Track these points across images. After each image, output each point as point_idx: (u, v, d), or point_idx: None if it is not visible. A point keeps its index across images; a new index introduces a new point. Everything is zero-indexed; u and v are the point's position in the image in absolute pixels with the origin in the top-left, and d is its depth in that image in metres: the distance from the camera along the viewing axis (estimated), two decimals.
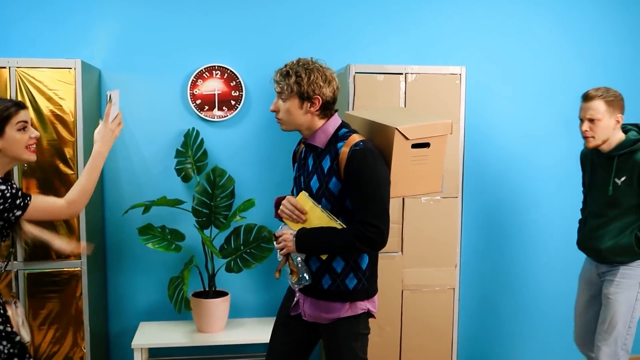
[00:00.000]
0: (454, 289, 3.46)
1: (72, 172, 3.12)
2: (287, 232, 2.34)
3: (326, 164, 2.32)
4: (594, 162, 3.06)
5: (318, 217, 2.30)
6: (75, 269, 3.18)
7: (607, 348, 2.96)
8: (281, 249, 2.35)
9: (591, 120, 2.90)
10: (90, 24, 3.52)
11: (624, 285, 2.94)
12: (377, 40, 3.79)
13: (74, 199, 2.30)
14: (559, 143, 3.94)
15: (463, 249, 3.48)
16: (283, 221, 2.40)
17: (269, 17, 3.68)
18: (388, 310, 3.39)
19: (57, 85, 3.08)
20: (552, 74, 4.01)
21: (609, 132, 2.90)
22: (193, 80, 3.60)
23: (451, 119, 3.22)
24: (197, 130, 3.58)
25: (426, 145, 2.39)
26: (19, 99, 3.02)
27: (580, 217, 3.18)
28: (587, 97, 2.93)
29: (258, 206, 3.52)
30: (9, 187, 2.13)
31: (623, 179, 2.88)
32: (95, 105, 3.44)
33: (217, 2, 3.63)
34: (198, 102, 3.62)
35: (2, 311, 2.24)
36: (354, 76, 3.23)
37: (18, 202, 2.14)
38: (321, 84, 2.28)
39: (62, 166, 3.11)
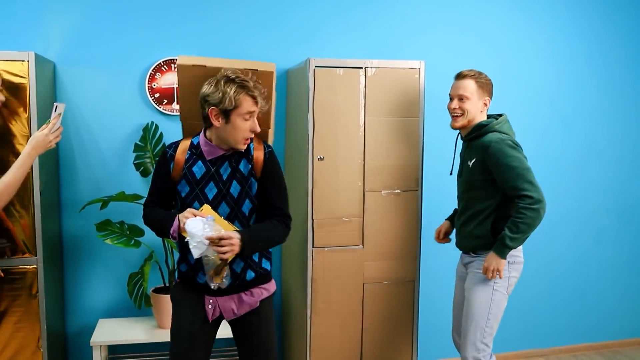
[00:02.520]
0: (414, 281, 3.50)
1: None
2: (234, 236, 2.31)
3: (244, 167, 2.46)
4: (459, 146, 3.17)
5: (225, 225, 2.38)
6: (31, 266, 3.11)
7: (467, 342, 2.97)
8: (224, 253, 2.30)
9: (460, 99, 2.99)
10: (44, 16, 3.43)
11: (480, 278, 2.96)
12: (337, 34, 3.80)
13: None
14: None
15: (423, 242, 3.52)
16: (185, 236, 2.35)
17: (229, 11, 3.66)
18: (349, 303, 3.41)
19: (10, 78, 2.99)
20: (510, 68, 4.09)
21: (476, 113, 2.99)
22: (151, 73, 3.55)
23: (411, 113, 3.28)
24: (156, 124, 3.53)
25: None
26: None
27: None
28: (459, 76, 3.04)
29: None
30: None
31: (473, 160, 2.96)
32: (49, 99, 3.36)
33: None
34: (157, 95, 3.58)
35: None
36: (314, 70, 3.23)
37: None
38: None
39: (15, 161, 3.03)
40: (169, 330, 3.37)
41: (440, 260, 3.96)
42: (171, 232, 2.38)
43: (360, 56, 3.70)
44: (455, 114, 3.02)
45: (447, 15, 3.96)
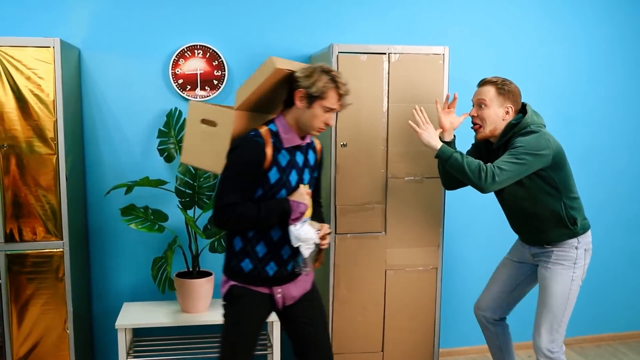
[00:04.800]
0: (436, 269, 3.48)
1: (52, 152, 3.09)
2: (328, 227, 2.54)
3: (312, 157, 2.61)
4: (487, 154, 3.05)
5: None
6: (58, 250, 3.16)
7: (542, 331, 2.98)
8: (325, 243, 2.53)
9: (479, 105, 2.91)
10: (69, 2, 3.45)
11: (559, 269, 2.96)
12: (360, 20, 3.77)
13: None
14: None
15: (446, 229, 3.50)
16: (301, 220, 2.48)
17: None
18: (371, 290, 3.41)
19: (36, 65, 3.03)
20: (535, 55, 4.03)
21: (497, 121, 2.89)
22: (175, 59, 3.57)
23: (435, 98, 3.25)
24: (179, 110, 3.55)
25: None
26: None
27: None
28: (480, 82, 2.96)
29: None
30: None
31: None
32: (75, 85, 3.39)
33: None
34: (180, 81, 3.59)
35: None
36: (337, 56, 3.21)
37: None
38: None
39: (42, 147, 3.08)
40: (192, 314, 3.44)
41: (464, 247, 3.95)
42: (292, 218, 2.45)
43: (384, 42, 3.68)
44: (474, 124, 2.96)
45: (472, 1, 3.91)
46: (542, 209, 2.90)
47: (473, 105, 2.97)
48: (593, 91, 4.16)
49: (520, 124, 2.86)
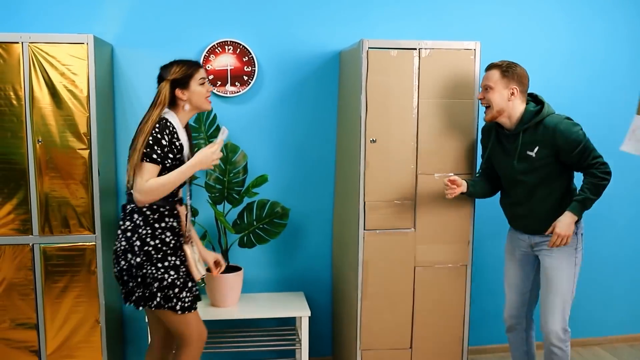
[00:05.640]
0: (466, 266, 3.45)
1: (85, 147, 3.13)
2: None
3: None
4: (500, 140, 3.14)
5: None
6: (90, 243, 3.21)
7: (555, 316, 3.10)
8: None
9: (485, 89, 3.02)
10: (102, 0, 3.51)
11: (563, 256, 3.07)
12: (390, 15, 3.75)
13: (151, 187, 2.56)
14: (573, 118, 3.89)
15: (476, 227, 3.47)
16: None
17: None
18: (400, 287, 3.40)
19: (70, 61, 3.08)
20: (568, 49, 3.96)
21: (502, 103, 2.99)
22: (205, 55, 3.59)
23: (466, 95, 3.22)
24: None
25: None
26: (32, 73, 3.04)
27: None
28: (487, 67, 3.07)
29: (271, 182, 3.52)
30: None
31: (537, 148, 2.96)
32: (107, 81, 3.44)
33: None
34: (211, 77, 3.61)
35: (171, 245, 2.64)
36: (367, 51, 3.20)
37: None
38: None
39: (75, 141, 3.13)
40: (221, 309, 3.46)
41: (494, 245, 3.90)
42: None
43: (414, 37, 3.65)
44: (483, 105, 3.09)
45: None
46: (554, 194, 3.02)
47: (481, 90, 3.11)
48: (633, 86, 4.06)
49: (543, 112, 2.98)
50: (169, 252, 2.64)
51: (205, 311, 3.44)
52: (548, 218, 3.01)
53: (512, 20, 3.88)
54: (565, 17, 3.94)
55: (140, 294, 2.64)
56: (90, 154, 3.14)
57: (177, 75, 2.69)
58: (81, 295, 3.23)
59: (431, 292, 3.44)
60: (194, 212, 3.48)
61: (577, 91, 3.91)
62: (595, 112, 4.01)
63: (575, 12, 3.95)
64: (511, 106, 3.00)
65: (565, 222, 2.93)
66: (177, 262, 2.66)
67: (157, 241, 2.63)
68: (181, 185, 2.72)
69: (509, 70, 2.98)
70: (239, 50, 3.62)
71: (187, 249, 2.70)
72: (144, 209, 2.64)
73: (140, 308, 2.67)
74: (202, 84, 2.72)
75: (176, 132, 2.66)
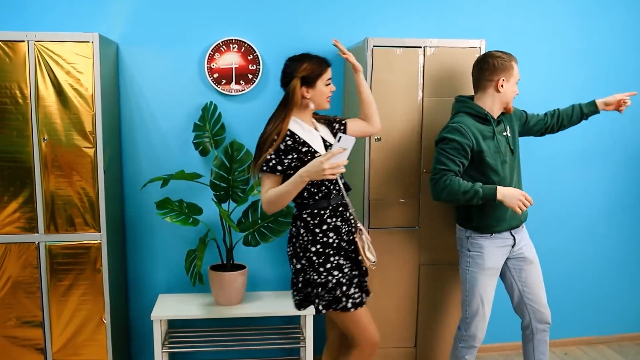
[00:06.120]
0: None
1: (90, 146, 3.14)
2: None
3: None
4: (484, 134, 3.00)
5: None
6: (95, 241, 3.21)
7: (545, 301, 3.23)
8: None
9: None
10: None
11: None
12: (395, 13, 3.74)
13: (270, 199, 2.55)
14: None
15: None
16: None
17: None
18: (405, 285, 3.40)
19: (75, 59, 3.08)
20: (574, 47, 3.95)
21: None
22: (210, 54, 3.59)
23: (471, 93, 3.21)
24: (214, 104, 3.58)
25: None
26: (38, 72, 3.04)
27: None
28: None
29: None
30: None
31: (516, 132, 3.12)
32: (113, 79, 3.44)
33: None
34: (215, 75, 3.61)
35: (334, 245, 2.62)
36: (372, 50, 3.20)
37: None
38: None
39: (80, 140, 3.13)
40: (225, 307, 3.47)
41: None
42: None
43: (419, 35, 3.64)
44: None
45: None
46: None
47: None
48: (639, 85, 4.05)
49: None
50: (331, 252, 2.63)
51: (209, 310, 3.45)
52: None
53: (517, 18, 3.86)
54: (571, 15, 3.93)
55: (305, 296, 2.69)
56: (95, 152, 3.14)
57: (306, 73, 2.63)
58: (86, 294, 3.24)
59: (436, 290, 3.44)
60: (199, 210, 3.48)
61: (583, 89, 3.89)
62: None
63: (581, 10, 3.93)
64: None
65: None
66: (341, 261, 2.64)
67: (319, 246, 2.62)
68: (329, 181, 2.65)
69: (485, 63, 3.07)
70: (243, 48, 3.62)
71: (357, 240, 2.68)
72: (304, 215, 2.64)
73: (318, 311, 2.66)
74: (328, 84, 2.68)
75: (299, 137, 2.62)
